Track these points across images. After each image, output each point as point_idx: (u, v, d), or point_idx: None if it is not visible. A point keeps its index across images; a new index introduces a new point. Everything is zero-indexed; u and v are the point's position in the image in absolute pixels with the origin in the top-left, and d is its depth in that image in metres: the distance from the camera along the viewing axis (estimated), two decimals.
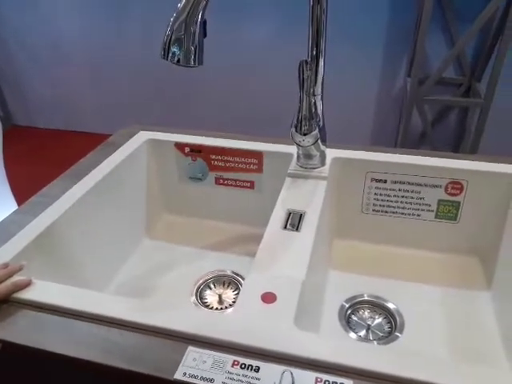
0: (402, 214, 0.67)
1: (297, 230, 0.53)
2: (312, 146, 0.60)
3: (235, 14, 1.71)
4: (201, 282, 0.63)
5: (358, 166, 0.66)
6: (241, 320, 0.39)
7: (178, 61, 0.48)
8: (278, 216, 0.55)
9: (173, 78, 1.92)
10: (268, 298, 0.41)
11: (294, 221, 0.54)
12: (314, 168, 0.64)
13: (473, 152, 1.51)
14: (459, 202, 0.64)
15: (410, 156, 0.65)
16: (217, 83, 1.89)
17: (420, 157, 0.65)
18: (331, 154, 0.66)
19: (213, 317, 0.40)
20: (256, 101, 1.90)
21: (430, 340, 0.55)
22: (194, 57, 0.49)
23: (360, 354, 0.36)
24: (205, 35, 0.50)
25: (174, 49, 0.48)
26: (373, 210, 0.69)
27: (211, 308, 0.60)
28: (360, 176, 0.66)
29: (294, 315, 0.39)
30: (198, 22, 0.48)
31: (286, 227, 0.53)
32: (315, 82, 0.58)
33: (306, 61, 0.56)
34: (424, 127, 1.57)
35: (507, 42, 1.33)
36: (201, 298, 0.61)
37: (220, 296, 0.61)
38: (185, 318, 0.40)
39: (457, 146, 1.74)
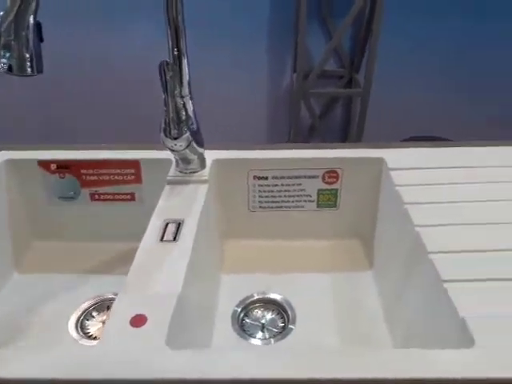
0: (287, 207, 0.68)
1: (174, 240, 0.50)
2: (187, 150, 0.57)
3: (112, 17, 1.62)
4: (80, 312, 0.57)
5: (240, 165, 0.65)
6: (105, 352, 0.35)
7: (10, 69, 0.43)
8: (153, 228, 0.52)
9: (42, 90, 1.75)
10: (137, 320, 0.38)
11: (171, 231, 0.51)
12: (194, 172, 0.61)
13: (358, 140, 1.61)
14: (337, 190, 0.67)
15: (288, 151, 0.66)
16: (92, 93, 1.77)
17: (297, 150, 0.66)
18: (212, 155, 0.65)
19: (72, 354, 0.36)
20: (132, 107, 1.80)
21: (320, 328, 0.56)
22: (31, 64, 0.44)
23: (225, 362, 0.34)
24: (41, 40, 0.45)
25: (3, 56, 0.42)
26: (260, 207, 0.69)
27: (95, 338, 0.54)
28: (242, 175, 0.66)
29: (167, 335, 0.37)
30: (30, 26, 0.43)
31: (162, 239, 0.50)
32: (181, 83, 0.55)
33: (166, 61, 0.53)
34: (313, 120, 1.65)
35: (377, 34, 1.44)
36: (83, 330, 0.55)
37: (104, 323, 0.56)
38: (41, 361, 0.35)
39: (345, 136, 1.85)
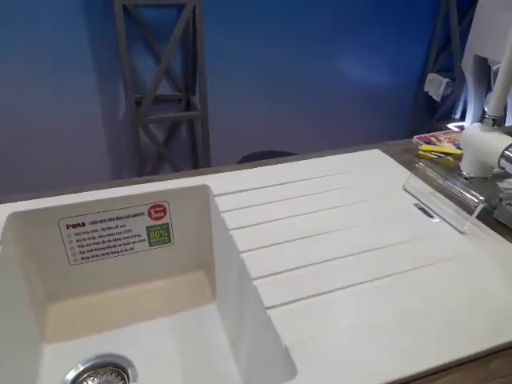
0: (115, 252, 0.61)
1: None
2: None
3: None
4: None
5: (46, 215, 0.56)
6: None
7: None
8: None
9: None
10: None
11: None
12: None
13: (207, 163, 1.61)
14: (167, 224, 0.62)
15: (105, 190, 0.59)
16: None
17: (115, 188, 0.60)
18: (7, 209, 0.54)
19: None
20: None
21: (166, 379, 0.51)
22: None
23: None
24: None
25: None
26: (82, 259, 0.60)
27: None
28: (52, 226, 0.56)
29: None
30: None
31: None
32: None
33: None
34: (157, 148, 1.59)
35: (202, 55, 1.46)
36: None
37: None
38: None
39: (195, 160, 1.84)
